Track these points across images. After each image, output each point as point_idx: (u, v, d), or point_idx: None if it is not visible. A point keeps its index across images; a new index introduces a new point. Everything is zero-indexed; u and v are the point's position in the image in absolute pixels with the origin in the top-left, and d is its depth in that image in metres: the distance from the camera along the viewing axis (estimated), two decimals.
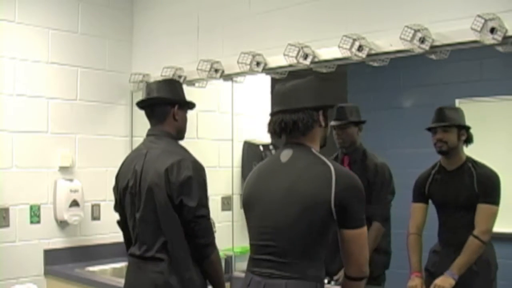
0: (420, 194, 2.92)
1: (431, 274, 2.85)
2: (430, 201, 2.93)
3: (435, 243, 2.92)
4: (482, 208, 2.66)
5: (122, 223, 2.59)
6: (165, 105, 2.50)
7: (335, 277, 2.91)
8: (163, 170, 2.33)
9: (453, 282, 2.59)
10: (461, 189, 2.76)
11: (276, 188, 2.02)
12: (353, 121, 3.10)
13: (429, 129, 2.86)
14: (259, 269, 2.01)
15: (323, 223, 1.95)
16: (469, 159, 2.80)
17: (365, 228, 1.98)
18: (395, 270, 3.19)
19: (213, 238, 2.37)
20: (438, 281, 2.62)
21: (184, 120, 2.58)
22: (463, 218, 2.72)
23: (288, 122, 2.04)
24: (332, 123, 3.12)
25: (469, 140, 2.82)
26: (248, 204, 2.12)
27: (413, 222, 2.91)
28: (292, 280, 1.93)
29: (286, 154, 2.06)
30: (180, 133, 2.57)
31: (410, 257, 2.85)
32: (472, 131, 2.89)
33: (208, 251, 2.35)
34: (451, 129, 2.77)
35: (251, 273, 2.04)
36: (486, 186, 2.69)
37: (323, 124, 2.11)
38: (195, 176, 2.33)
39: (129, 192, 2.46)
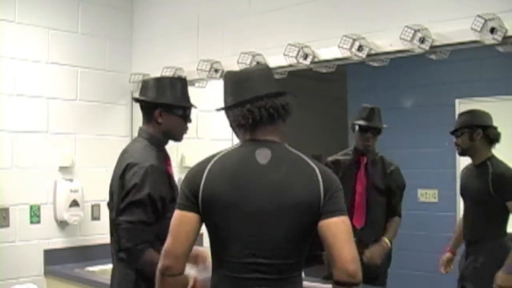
0: None
1: (460, 275, 2.88)
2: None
3: None
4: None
5: None
6: (148, 107, 2.46)
7: None
8: (119, 174, 2.35)
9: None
10: (476, 184, 2.82)
11: (261, 196, 1.74)
12: (381, 126, 3.12)
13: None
14: None
15: (314, 227, 1.77)
16: (491, 158, 2.84)
17: (347, 219, 1.76)
18: (395, 270, 3.19)
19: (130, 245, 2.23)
20: (499, 280, 2.54)
21: (172, 123, 2.45)
22: (474, 213, 2.80)
23: (277, 107, 1.84)
24: (362, 122, 3.09)
25: (489, 137, 2.84)
26: (216, 209, 1.77)
27: None
28: None
29: (264, 155, 1.80)
30: (167, 136, 2.49)
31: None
32: None
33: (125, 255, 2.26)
34: (462, 131, 2.84)
35: None
36: (504, 184, 2.71)
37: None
38: (140, 184, 2.27)
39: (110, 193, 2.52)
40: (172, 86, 2.48)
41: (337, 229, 1.72)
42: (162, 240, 1.85)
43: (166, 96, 2.45)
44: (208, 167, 1.80)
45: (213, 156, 1.84)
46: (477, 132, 2.82)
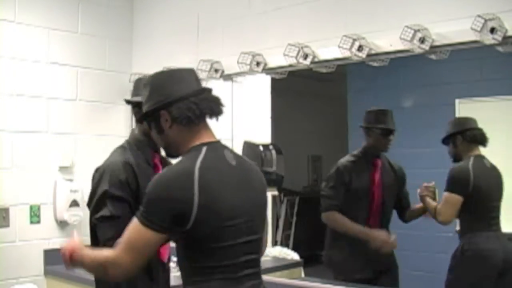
0: None
1: None
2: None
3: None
4: None
5: None
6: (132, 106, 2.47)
7: None
8: None
9: None
10: None
11: (247, 197, 1.80)
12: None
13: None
14: (248, 285, 1.78)
15: None
16: (475, 156, 2.93)
17: None
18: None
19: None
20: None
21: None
22: None
23: (218, 99, 1.88)
24: (386, 126, 3.13)
25: (467, 140, 2.93)
26: (218, 218, 1.71)
27: None
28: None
29: (229, 156, 1.82)
30: (148, 136, 2.20)
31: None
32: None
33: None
34: (447, 141, 2.99)
35: None
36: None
37: None
38: (97, 185, 2.30)
39: None
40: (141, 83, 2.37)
41: None
42: None
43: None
44: (196, 180, 1.68)
45: (191, 168, 1.70)
46: (458, 138, 2.95)
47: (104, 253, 1.81)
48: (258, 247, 1.84)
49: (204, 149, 1.77)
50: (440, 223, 2.89)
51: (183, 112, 1.78)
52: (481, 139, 2.94)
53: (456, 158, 2.97)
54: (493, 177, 2.94)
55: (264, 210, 1.90)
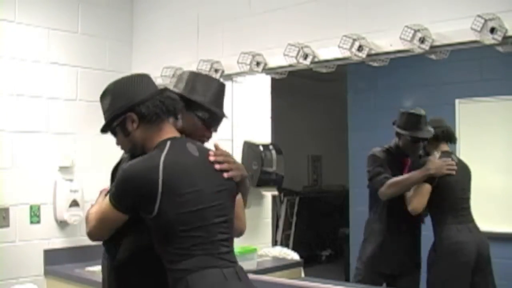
0: None
1: None
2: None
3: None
4: None
5: None
6: None
7: None
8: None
9: None
10: None
11: (212, 183, 1.95)
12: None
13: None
14: (227, 262, 1.93)
15: None
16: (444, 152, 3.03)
17: None
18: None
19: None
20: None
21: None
22: None
23: (176, 98, 2.04)
24: (414, 134, 3.07)
25: (434, 137, 3.02)
26: (188, 202, 1.89)
27: None
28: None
29: (192, 149, 1.98)
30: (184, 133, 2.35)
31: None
32: (471, 131, 2.94)
33: None
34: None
35: (220, 267, 1.90)
36: None
37: None
38: None
39: None
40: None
41: (240, 202, 2.12)
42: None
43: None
44: (160, 172, 1.85)
45: (156, 161, 1.87)
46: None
47: (93, 209, 2.02)
48: (230, 228, 1.99)
49: (168, 143, 1.94)
50: (411, 212, 2.94)
51: (151, 110, 1.94)
52: (445, 136, 3.02)
53: (428, 154, 3.02)
54: (461, 171, 2.98)
55: (231, 193, 2.02)
